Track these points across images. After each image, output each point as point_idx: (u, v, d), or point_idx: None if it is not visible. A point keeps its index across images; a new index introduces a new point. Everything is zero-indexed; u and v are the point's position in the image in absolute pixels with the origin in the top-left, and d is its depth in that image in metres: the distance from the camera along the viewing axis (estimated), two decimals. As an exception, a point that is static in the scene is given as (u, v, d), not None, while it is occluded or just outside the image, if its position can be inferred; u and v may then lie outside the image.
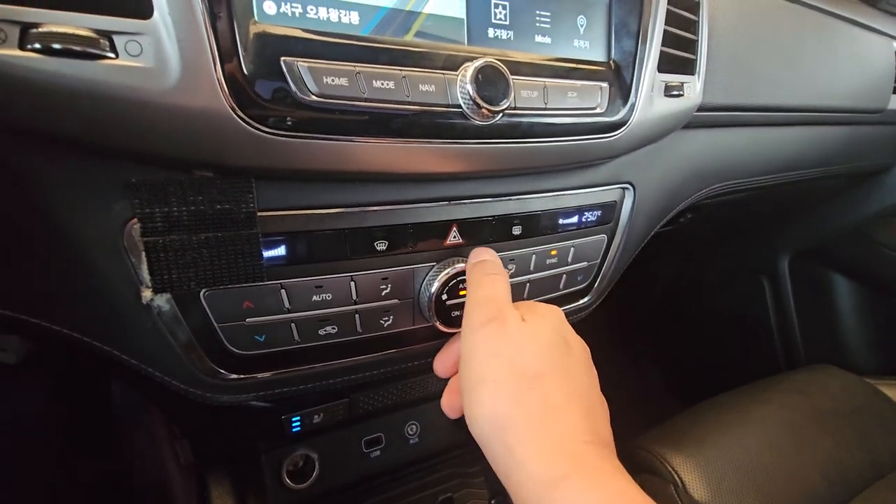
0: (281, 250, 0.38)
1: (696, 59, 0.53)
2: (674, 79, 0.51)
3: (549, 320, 0.39)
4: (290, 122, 0.32)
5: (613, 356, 1.66)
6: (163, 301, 0.36)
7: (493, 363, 0.35)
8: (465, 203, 0.45)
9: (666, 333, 1.62)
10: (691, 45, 0.53)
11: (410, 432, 0.67)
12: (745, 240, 1.35)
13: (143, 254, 0.34)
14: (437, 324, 0.45)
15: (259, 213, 0.36)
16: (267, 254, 0.38)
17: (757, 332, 1.37)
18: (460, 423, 0.71)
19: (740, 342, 1.42)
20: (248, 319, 0.39)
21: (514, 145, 0.41)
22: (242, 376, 0.41)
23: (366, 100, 0.34)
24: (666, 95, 0.51)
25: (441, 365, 0.45)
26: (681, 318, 1.57)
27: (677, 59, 0.51)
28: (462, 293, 0.45)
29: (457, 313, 0.46)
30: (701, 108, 0.58)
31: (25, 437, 0.85)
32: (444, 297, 0.44)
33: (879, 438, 0.82)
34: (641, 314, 1.65)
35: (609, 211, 0.56)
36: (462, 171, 0.41)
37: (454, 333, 0.48)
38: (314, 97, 0.32)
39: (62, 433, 0.90)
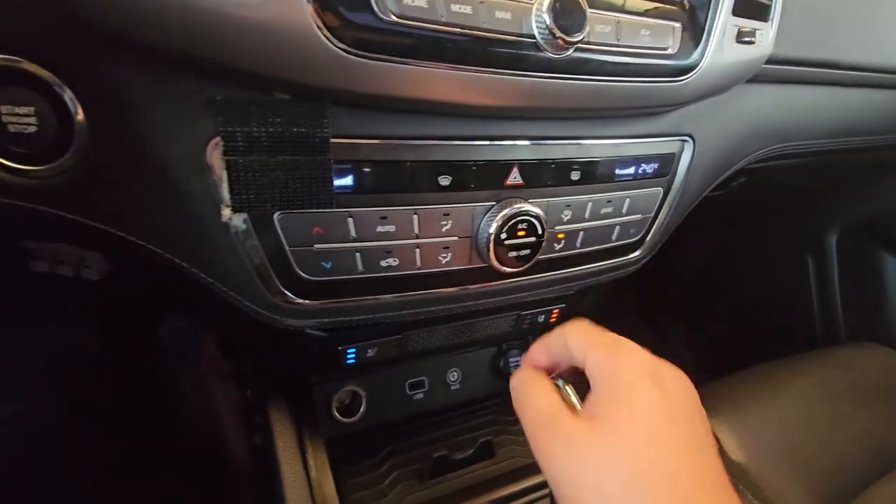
0: (349, 179, 0.39)
1: (770, 4, 0.51)
2: (747, 24, 0.49)
3: (631, 406, 0.31)
4: (369, 42, 0.32)
5: (641, 327, 1.65)
6: (240, 221, 0.37)
7: (582, 495, 0.29)
8: (527, 144, 0.45)
9: (698, 307, 1.59)
10: (768, -12, 0.50)
11: (452, 378, 0.69)
12: (791, 214, 1.31)
13: (224, 172, 0.35)
14: (494, 262, 0.46)
15: (331, 140, 0.37)
16: (336, 182, 0.38)
17: (796, 309, 1.34)
18: (500, 373, 0.73)
19: (777, 319, 1.39)
20: (316, 245, 0.40)
21: (582, 83, 0.40)
22: (308, 301, 0.42)
23: (443, 24, 0.34)
24: (737, 42, 0.49)
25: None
26: (716, 293, 1.55)
27: (752, 3, 0.49)
28: (520, 234, 0.46)
29: (513, 253, 0.46)
30: (769, 60, 0.56)
31: (78, 373, 0.91)
32: (503, 236, 0.45)
33: (922, 415, 0.80)
34: (675, 286, 1.63)
35: (667, 163, 0.55)
36: (528, 107, 0.41)
37: (509, 275, 0.49)
38: (394, 17, 0.32)
39: (113, 372, 0.96)
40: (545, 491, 0.59)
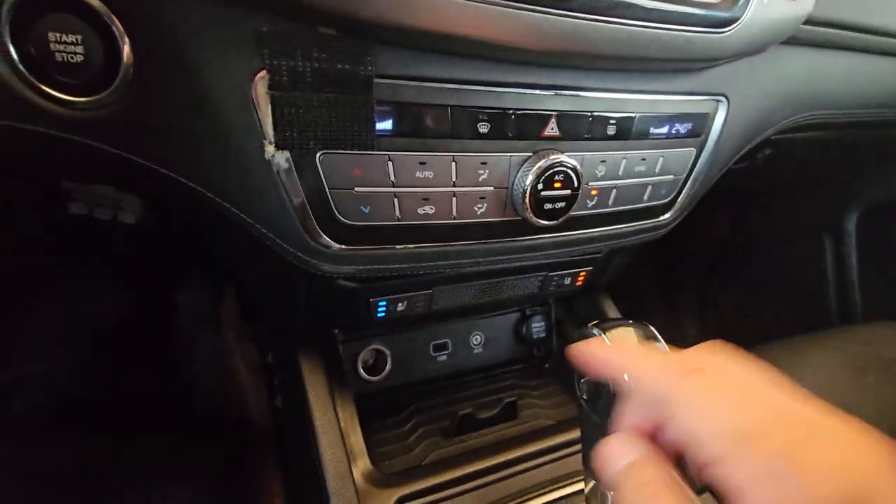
0: (389, 122, 0.39)
1: (815, -41, 0.50)
2: (789, -23, 0.48)
3: None
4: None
5: (652, 305, 1.65)
6: (282, 159, 0.37)
7: None
8: (566, 94, 0.45)
9: (712, 286, 1.59)
10: (812, -60, 0.49)
11: (475, 342, 0.70)
12: (810, 194, 1.29)
13: (269, 108, 0.35)
14: (529, 214, 0.45)
15: (374, 80, 0.37)
16: (377, 124, 0.38)
17: (811, 289, 1.33)
18: (521, 338, 0.73)
19: (792, 299, 1.38)
20: (356, 188, 0.40)
21: (624, 27, 0.40)
22: (345, 247, 0.42)
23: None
24: (780, -5, 0.48)
25: None
26: (730, 272, 1.54)
27: (797, -44, 0.48)
28: (556, 185, 0.45)
29: (548, 206, 0.46)
30: (807, 21, 0.55)
31: (102, 335, 0.92)
32: (540, 187, 0.44)
33: (945, 390, 0.80)
34: (689, 265, 1.62)
35: (700, 123, 0.54)
36: (570, 51, 0.40)
37: (542, 229, 0.49)
38: (445, -54, 0.32)
39: (135, 335, 0.97)
40: (568, 450, 0.59)
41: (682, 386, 0.24)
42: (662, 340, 0.43)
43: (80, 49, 0.33)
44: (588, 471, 0.47)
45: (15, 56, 0.32)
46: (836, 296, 1.28)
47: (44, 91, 0.33)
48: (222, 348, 0.92)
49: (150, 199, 0.45)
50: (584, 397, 0.42)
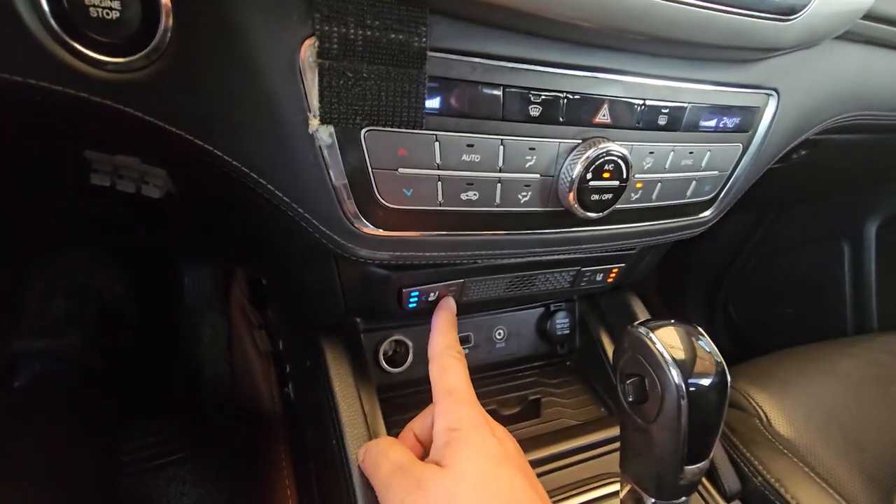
0: (438, 100, 0.37)
1: (882, -52, 0.48)
2: (854, -33, 0.46)
3: (470, 449, 0.37)
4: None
5: (655, 310, 1.63)
6: (326, 134, 0.35)
7: None
8: (620, 79, 0.42)
9: (723, 290, 1.57)
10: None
11: (498, 336, 0.68)
12: (831, 200, 1.27)
13: (316, 78, 0.33)
14: (574, 204, 0.43)
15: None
16: (426, 102, 0.36)
17: (826, 298, 1.31)
18: (545, 334, 0.71)
19: (806, 305, 1.36)
20: (400, 169, 0.38)
21: (693, 9, 0.37)
22: (383, 232, 0.40)
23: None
24: (844, -15, 0.46)
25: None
26: (742, 277, 1.52)
27: (864, -56, 0.46)
28: (605, 175, 0.43)
29: (595, 196, 0.44)
30: (864, 16, 0.52)
31: (109, 315, 0.90)
32: (589, 176, 0.42)
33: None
34: (698, 269, 1.60)
35: (749, 117, 0.52)
36: (635, 31, 0.37)
37: (582, 222, 0.47)
38: None
39: (144, 316, 0.95)
40: (594, 452, 0.58)
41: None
42: (708, 338, 0.42)
43: (116, 4, 0.30)
44: (626, 474, 0.45)
45: (47, 8, 0.29)
46: (853, 304, 1.27)
47: (74, 48, 0.31)
48: (232, 333, 0.90)
49: (177, 172, 0.43)
50: (630, 399, 0.40)
